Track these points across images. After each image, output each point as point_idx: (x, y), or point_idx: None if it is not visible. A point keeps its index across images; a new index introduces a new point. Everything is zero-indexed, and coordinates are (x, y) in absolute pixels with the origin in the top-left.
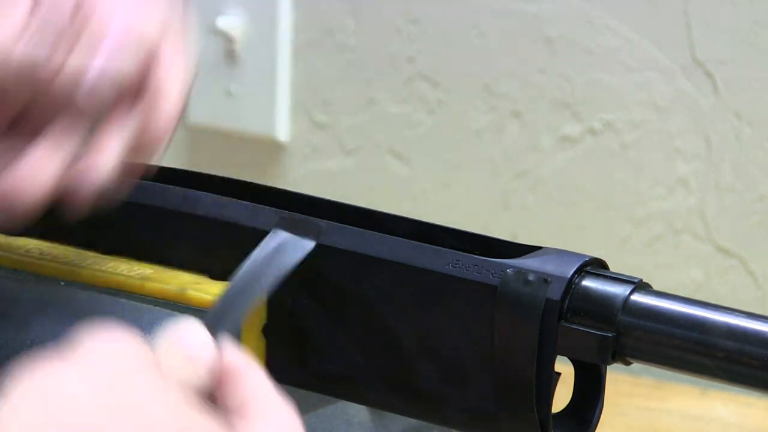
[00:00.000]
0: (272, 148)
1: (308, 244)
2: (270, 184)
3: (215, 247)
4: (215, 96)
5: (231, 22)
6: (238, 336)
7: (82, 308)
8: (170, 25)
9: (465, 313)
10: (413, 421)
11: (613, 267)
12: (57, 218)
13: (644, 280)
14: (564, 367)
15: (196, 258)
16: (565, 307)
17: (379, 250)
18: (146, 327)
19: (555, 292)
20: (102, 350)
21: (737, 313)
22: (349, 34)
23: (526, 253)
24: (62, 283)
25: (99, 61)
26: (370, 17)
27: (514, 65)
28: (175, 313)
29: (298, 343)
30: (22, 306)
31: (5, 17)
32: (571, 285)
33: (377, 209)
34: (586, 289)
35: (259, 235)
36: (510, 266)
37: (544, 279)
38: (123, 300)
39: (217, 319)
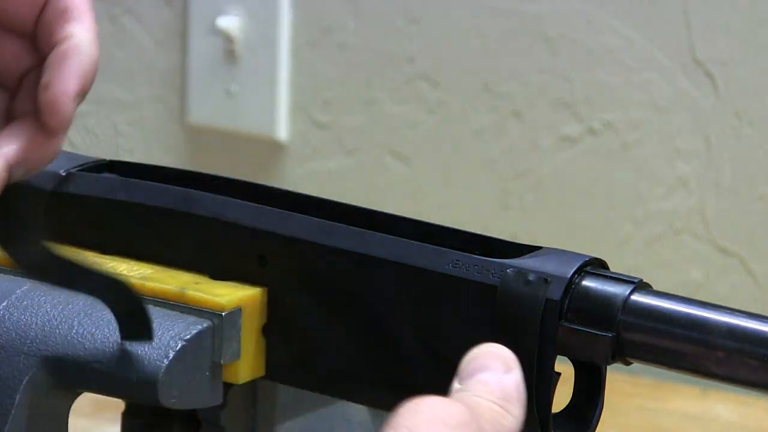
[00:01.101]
0: (272, 148)
1: None
2: (270, 184)
3: (215, 247)
4: (215, 96)
5: (231, 22)
6: None
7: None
8: None
9: (465, 313)
10: None
11: (613, 267)
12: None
13: (644, 280)
14: (564, 367)
15: (196, 258)
16: (565, 307)
17: (379, 250)
18: None
19: (555, 292)
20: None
21: (737, 313)
22: (349, 34)
23: (526, 253)
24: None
25: None
26: (370, 17)
27: (514, 65)
28: (175, 313)
29: (298, 343)
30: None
31: None
32: (571, 285)
33: (377, 209)
34: (586, 289)
35: (259, 235)
36: (510, 266)
37: (544, 279)
38: None
39: None
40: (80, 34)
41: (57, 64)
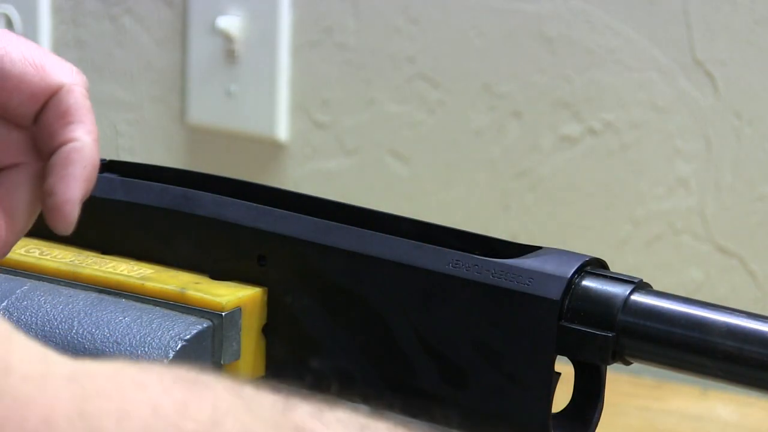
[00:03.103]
0: (272, 148)
1: None
2: (270, 184)
3: (215, 247)
4: (215, 96)
5: (231, 22)
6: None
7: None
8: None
9: (465, 313)
10: (413, 421)
11: (613, 267)
12: None
13: (644, 280)
14: (564, 367)
15: (196, 258)
16: (565, 307)
17: (379, 250)
18: (146, 327)
19: (555, 292)
20: None
21: (737, 313)
22: (349, 34)
23: (526, 253)
24: (62, 283)
25: None
26: (370, 17)
27: (514, 65)
28: (175, 313)
29: (298, 343)
30: (22, 306)
31: None
32: (571, 285)
33: (377, 209)
34: (586, 289)
35: (259, 235)
36: (510, 266)
37: (544, 279)
38: (123, 300)
39: None
40: (83, 138)
41: (60, 169)
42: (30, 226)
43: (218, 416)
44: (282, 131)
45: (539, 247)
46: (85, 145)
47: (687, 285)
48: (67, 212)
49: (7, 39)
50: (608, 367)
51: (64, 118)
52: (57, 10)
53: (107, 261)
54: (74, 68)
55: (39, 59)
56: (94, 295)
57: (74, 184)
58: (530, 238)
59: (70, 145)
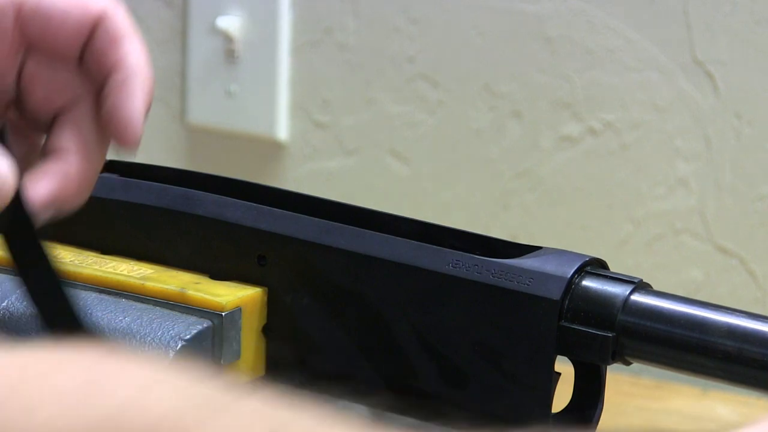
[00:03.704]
0: (272, 148)
1: None
2: (270, 184)
3: (215, 247)
4: (215, 96)
5: (231, 22)
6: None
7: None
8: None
9: (465, 313)
10: (413, 421)
11: (613, 267)
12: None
13: (644, 280)
14: (564, 367)
15: (196, 258)
16: (565, 307)
17: (379, 250)
18: (146, 327)
19: (555, 292)
20: None
21: (737, 313)
22: (349, 34)
23: (526, 253)
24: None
25: None
26: (370, 17)
27: (514, 65)
28: (175, 313)
29: (298, 343)
30: (22, 306)
31: None
32: (571, 285)
33: (377, 209)
34: (586, 289)
35: (259, 235)
36: (510, 266)
37: (544, 279)
38: (123, 300)
39: None
40: (135, 54)
41: (120, 86)
42: (104, 161)
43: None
44: (282, 131)
45: (539, 247)
46: (138, 60)
47: (687, 285)
48: (133, 125)
49: None
50: (608, 367)
51: (113, 40)
52: None
53: (107, 261)
54: None
55: None
56: (94, 295)
57: (136, 97)
58: (530, 238)
59: (125, 64)
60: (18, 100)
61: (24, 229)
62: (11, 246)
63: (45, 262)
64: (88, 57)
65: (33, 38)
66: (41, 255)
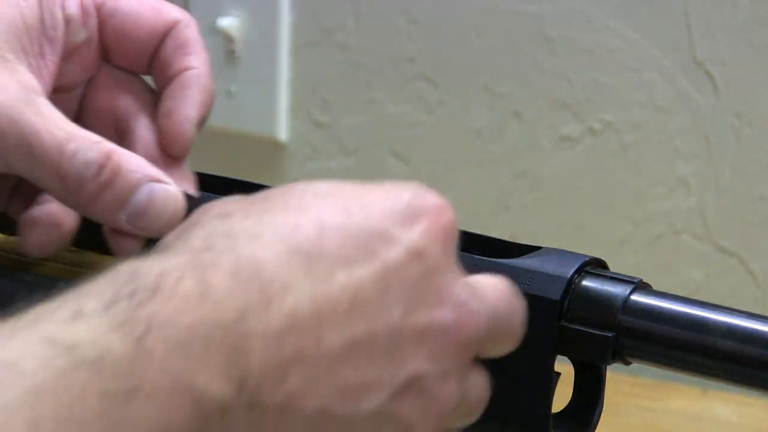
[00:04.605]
0: (272, 148)
1: None
2: (270, 184)
3: None
4: (215, 96)
5: (231, 22)
6: None
7: None
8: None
9: None
10: None
11: (613, 267)
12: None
13: (644, 280)
14: (564, 367)
15: None
16: (565, 307)
17: None
18: None
19: (555, 292)
20: None
21: (737, 313)
22: (349, 34)
23: (526, 253)
24: (62, 283)
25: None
26: (370, 17)
27: (514, 65)
28: None
29: None
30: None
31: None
32: (571, 285)
33: None
34: (586, 289)
35: None
36: (510, 266)
37: (544, 279)
38: None
39: None
40: (200, 66)
41: (178, 92)
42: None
43: None
44: (282, 131)
45: (539, 247)
46: (202, 72)
47: (687, 285)
48: (184, 131)
49: None
50: (608, 367)
51: (182, 48)
52: None
53: (107, 261)
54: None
55: (153, 2)
56: None
57: (192, 104)
58: (530, 238)
59: (188, 72)
60: (79, 108)
61: None
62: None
63: None
64: (155, 63)
65: (109, 41)
66: None
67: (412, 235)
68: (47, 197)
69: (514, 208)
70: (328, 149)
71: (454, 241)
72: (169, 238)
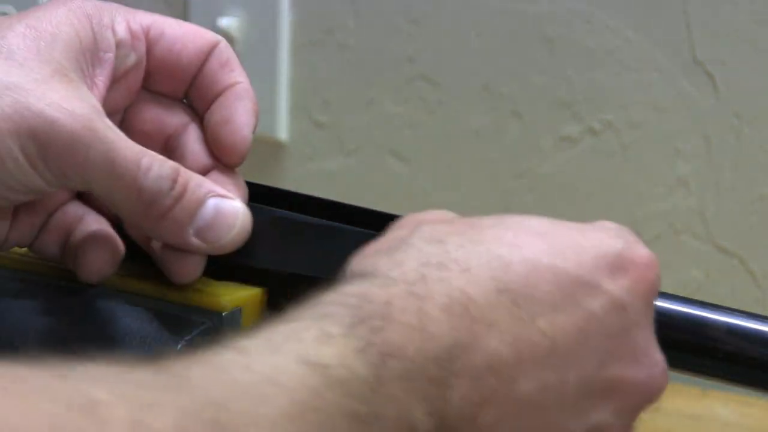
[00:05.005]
0: (272, 148)
1: None
2: (270, 184)
3: None
4: None
5: (231, 22)
6: None
7: (82, 308)
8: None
9: None
10: None
11: None
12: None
13: None
14: None
15: None
16: None
17: None
18: (146, 327)
19: None
20: None
21: (737, 313)
22: (349, 34)
23: None
24: (62, 283)
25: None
26: (370, 17)
27: (514, 65)
28: (176, 313)
29: None
30: (21, 306)
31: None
32: None
33: (377, 209)
34: None
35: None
36: None
37: None
38: (123, 300)
39: None
40: (245, 81)
41: (232, 102)
42: None
43: None
44: (282, 131)
45: None
46: (248, 86)
47: (687, 285)
48: (243, 137)
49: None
50: None
51: (227, 66)
52: None
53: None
54: None
55: (190, 24)
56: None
57: (248, 113)
58: None
59: (238, 86)
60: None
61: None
62: None
63: None
64: (198, 82)
65: (154, 64)
66: None
67: (618, 288)
68: (59, 222)
69: (514, 208)
70: (328, 149)
71: (654, 297)
72: (373, 251)
